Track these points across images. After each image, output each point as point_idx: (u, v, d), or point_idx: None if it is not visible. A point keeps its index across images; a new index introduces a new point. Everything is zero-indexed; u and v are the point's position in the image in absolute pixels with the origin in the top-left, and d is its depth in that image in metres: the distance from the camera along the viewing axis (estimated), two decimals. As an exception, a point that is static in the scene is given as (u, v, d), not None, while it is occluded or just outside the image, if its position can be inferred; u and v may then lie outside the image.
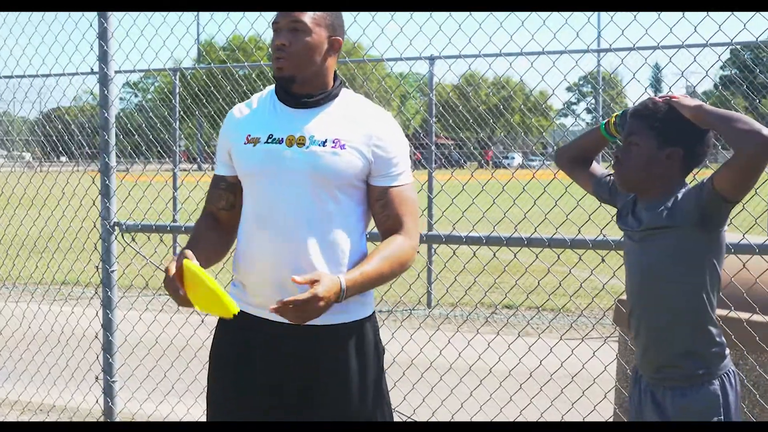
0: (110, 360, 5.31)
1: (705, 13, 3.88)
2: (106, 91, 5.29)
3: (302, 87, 2.98)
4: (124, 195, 5.60)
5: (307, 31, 2.94)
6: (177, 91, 10.47)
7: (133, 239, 5.28)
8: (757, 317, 3.88)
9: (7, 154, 18.37)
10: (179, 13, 6.00)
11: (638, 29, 4.48)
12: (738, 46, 6.46)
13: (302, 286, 2.72)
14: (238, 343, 3.02)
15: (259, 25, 5.28)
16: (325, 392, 2.93)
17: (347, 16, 3.27)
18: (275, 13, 3.01)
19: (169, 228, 5.41)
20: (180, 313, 5.78)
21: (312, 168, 2.91)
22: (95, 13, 5.34)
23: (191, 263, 2.75)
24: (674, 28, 4.11)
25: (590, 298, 5.94)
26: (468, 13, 4.56)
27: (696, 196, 2.80)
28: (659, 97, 2.93)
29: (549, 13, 4.52)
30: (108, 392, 5.33)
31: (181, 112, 11.95)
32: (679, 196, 2.86)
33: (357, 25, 4.85)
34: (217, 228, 3.13)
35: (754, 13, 3.73)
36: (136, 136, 8.05)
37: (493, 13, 4.56)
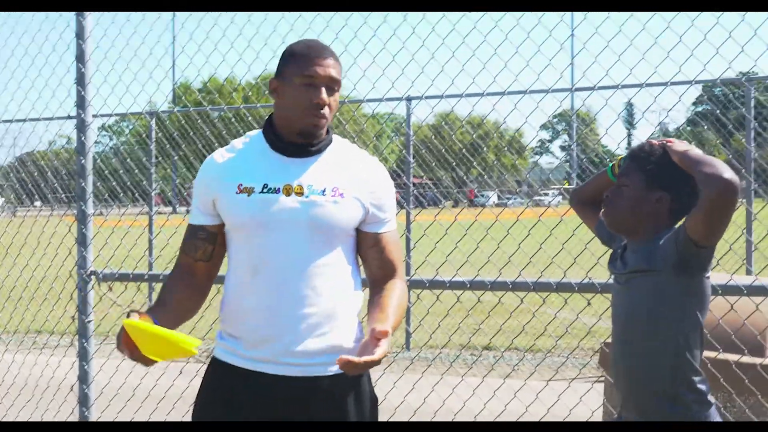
0: (86, 413, 5.19)
1: (666, 54, 3.95)
2: (83, 137, 5.23)
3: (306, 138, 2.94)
4: (101, 242, 5.51)
5: (339, 89, 2.94)
6: (153, 134, 10.41)
7: (110, 288, 5.20)
8: (746, 359, 3.84)
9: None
10: (157, 56, 5.97)
11: (613, 68, 4.52)
12: (710, 83, 6.50)
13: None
14: (227, 391, 2.93)
15: (238, 67, 5.27)
16: None
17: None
18: (306, 55, 2.89)
19: (146, 276, 5.33)
20: (159, 363, 5.66)
21: (312, 217, 2.85)
22: (73, 59, 5.29)
23: (130, 321, 2.68)
24: (644, 67, 4.17)
25: (574, 340, 5.89)
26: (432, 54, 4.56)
27: (674, 240, 2.79)
28: (657, 141, 2.92)
29: (532, 54, 4.54)
30: (85, 445, 5.20)
31: (157, 156, 11.87)
32: (662, 240, 2.84)
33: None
34: (190, 283, 3.04)
35: (721, 49, 3.74)
36: (114, 182, 7.96)
37: (475, 54, 4.58)
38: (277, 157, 2.94)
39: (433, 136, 16.53)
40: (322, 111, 2.88)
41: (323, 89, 2.88)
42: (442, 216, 4.84)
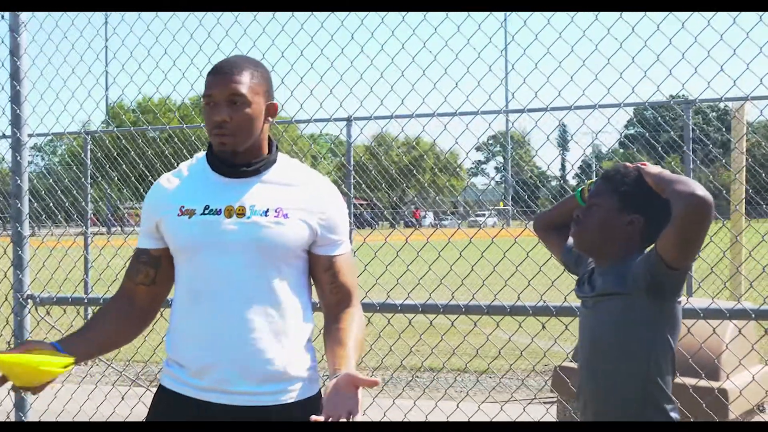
0: (24, 442, 5.00)
1: (594, 76, 4.01)
2: (18, 157, 5.07)
3: (242, 157, 2.83)
4: (38, 264, 5.33)
5: (247, 102, 2.77)
6: (89, 154, 10.20)
7: (48, 312, 5.02)
8: (703, 383, 3.82)
9: None
10: (95, 74, 5.83)
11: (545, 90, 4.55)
12: (641, 107, 6.56)
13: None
14: (173, 420, 2.81)
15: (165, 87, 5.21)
16: None
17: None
18: (210, 74, 2.81)
19: (85, 300, 5.16)
20: (99, 387, 5.50)
21: (255, 239, 2.75)
22: (7, 76, 5.13)
23: None
24: (574, 89, 4.20)
25: (528, 363, 5.85)
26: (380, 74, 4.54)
27: (645, 262, 2.74)
28: (631, 164, 2.88)
29: (462, 74, 4.55)
30: (21, 477, 5.00)
31: (92, 175, 11.64)
32: (633, 263, 2.78)
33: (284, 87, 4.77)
34: (127, 309, 2.94)
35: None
36: (51, 203, 7.77)
37: (404, 75, 4.58)
38: (218, 179, 2.86)
39: (365, 158, 16.51)
40: (222, 130, 2.76)
41: (223, 106, 2.75)
42: (391, 237, 4.76)
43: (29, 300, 5.03)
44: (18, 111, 5.07)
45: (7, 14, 5.12)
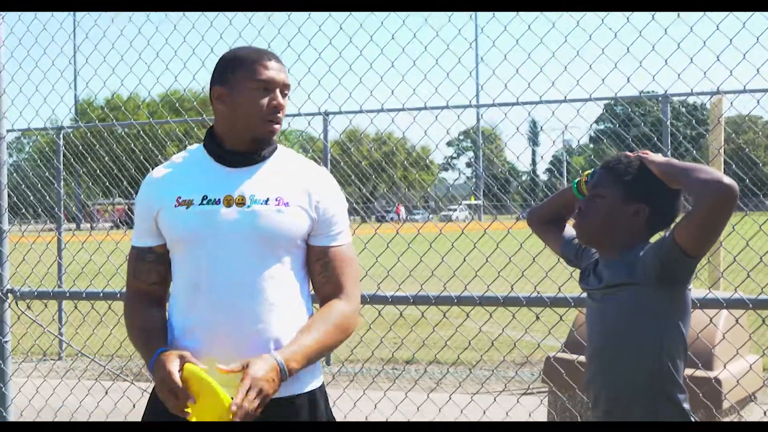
0: (6, 439, 4.92)
1: (564, 68, 4.01)
2: (-2, 151, 4.97)
3: (260, 145, 2.81)
4: (18, 259, 5.24)
5: (288, 94, 2.85)
6: (61, 150, 10.08)
7: (29, 307, 4.94)
8: (700, 373, 3.82)
9: None
10: (60, 68, 5.74)
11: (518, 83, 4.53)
12: (612, 101, 6.58)
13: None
14: (172, 415, 2.75)
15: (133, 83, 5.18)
16: None
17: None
18: (257, 60, 2.79)
19: (67, 294, 5.08)
20: (82, 382, 5.42)
21: (255, 228, 2.72)
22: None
23: (196, 368, 2.55)
24: (543, 82, 4.19)
25: (498, 353, 5.84)
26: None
27: (656, 250, 2.69)
28: (632, 153, 2.84)
29: (430, 66, 4.53)
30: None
31: (64, 171, 11.52)
32: (641, 252, 2.75)
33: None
34: (159, 308, 2.89)
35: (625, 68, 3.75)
36: (31, 197, 7.68)
37: (373, 67, 4.54)
38: (217, 168, 2.83)
39: (335, 152, 16.45)
40: (279, 116, 2.79)
41: (278, 94, 2.79)
42: (382, 230, 4.73)
43: (9, 294, 4.95)
44: (-3, 104, 4.98)
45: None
